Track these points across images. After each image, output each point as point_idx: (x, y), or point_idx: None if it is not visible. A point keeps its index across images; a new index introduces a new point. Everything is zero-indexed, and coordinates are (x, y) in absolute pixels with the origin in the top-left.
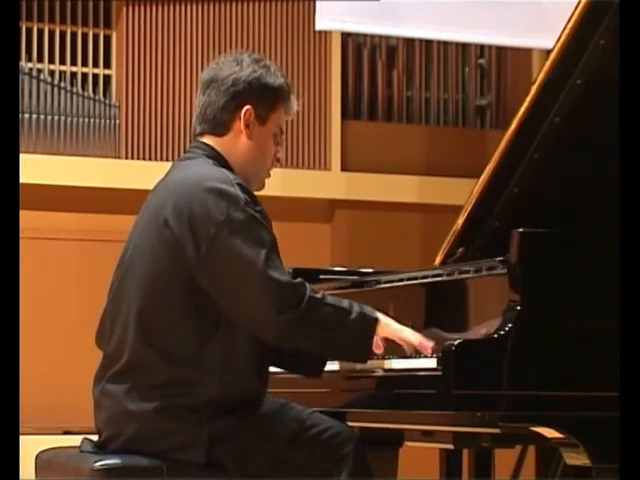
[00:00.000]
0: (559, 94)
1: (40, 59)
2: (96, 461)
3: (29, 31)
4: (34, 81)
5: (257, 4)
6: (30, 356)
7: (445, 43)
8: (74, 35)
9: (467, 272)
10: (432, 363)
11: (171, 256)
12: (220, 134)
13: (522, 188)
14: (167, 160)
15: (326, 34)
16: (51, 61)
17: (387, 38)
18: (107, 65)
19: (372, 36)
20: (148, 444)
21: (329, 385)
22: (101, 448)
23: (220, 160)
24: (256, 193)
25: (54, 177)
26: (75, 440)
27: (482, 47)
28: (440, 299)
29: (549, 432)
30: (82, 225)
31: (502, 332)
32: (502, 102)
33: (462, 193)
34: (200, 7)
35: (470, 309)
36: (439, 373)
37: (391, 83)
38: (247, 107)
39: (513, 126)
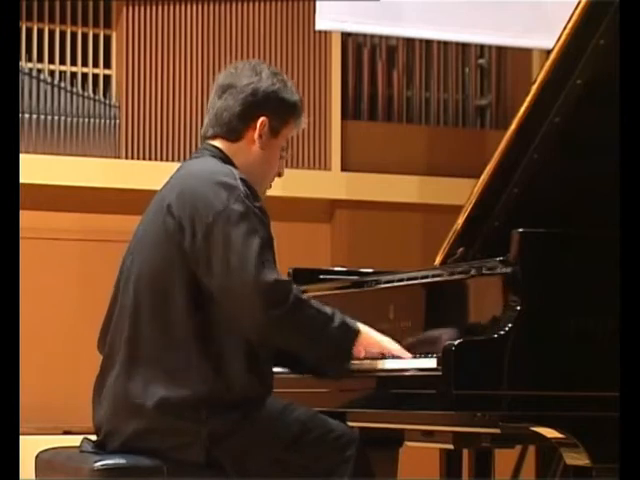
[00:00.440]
0: (559, 94)
1: (40, 59)
2: (96, 461)
3: (29, 31)
4: (34, 81)
5: (257, 4)
6: (30, 356)
7: (445, 43)
8: (74, 35)
9: (467, 272)
10: (432, 363)
11: (173, 244)
12: (232, 140)
13: (522, 188)
14: (167, 160)
15: (326, 34)
16: (51, 61)
17: (387, 38)
18: (107, 65)
19: (372, 36)
20: (148, 441)
21: (329, 385)
22: (100, 446)
23: (227, 161)
24: None
25: (54, 177)
26: (75, 440)
27: (482, 47)
28: (440, 299)
29: (549, 432)
30: (82, 225)
31: (502, 332)
32: (502, 102)
33: (462, 193)
34: (200, 7)
35: (470, 309)
36: (439, 373)
37: (391, 83)
38: (263, 118)
39: (513, 126)
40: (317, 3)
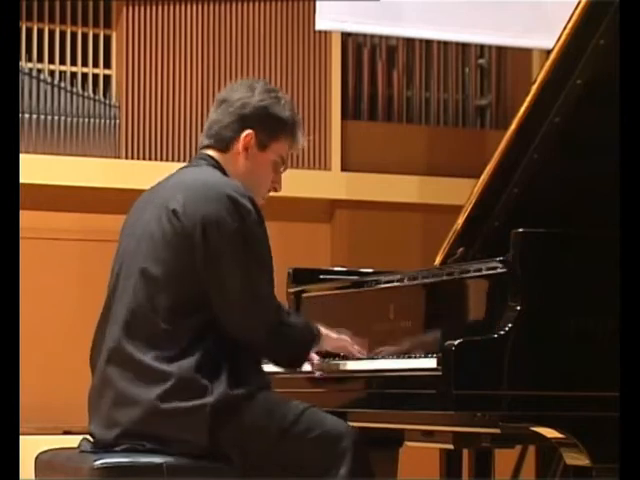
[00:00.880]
0: (559, 94)
1: (40, 59)
2: (95, 460)
3: (29, 31)
4: (34, 81)
5: (257, 4)
6: (30, 356)
7: (445, 43)
8: (74, 35)
9: (467, 272)
10: (432, 363)
11: (179, 247)
12: (222, 150)
13: (522, 188)
14: (167, 160)
15: (326, 34)
16: (51, 61)
17: (387, 38)
18: (107, 65)
19: (372, 36)
20: (152, 426)
21: (329, 385)
22: (100, 443)
23: (224, 172)
24: None
25: (54, 177)
26: (75, 440)
27: (482, 47)
28: (440, 299)
29: (549, 432)
30: (82, 225)
31: (502, 332)
32: (502, 102)
33: (462, 193)
34: (200, 7)
35: (470, 309)
36: (439, 373)
37: (391, 83)
38: (249, 131)
39: (513, 126)
40: (317, 3)
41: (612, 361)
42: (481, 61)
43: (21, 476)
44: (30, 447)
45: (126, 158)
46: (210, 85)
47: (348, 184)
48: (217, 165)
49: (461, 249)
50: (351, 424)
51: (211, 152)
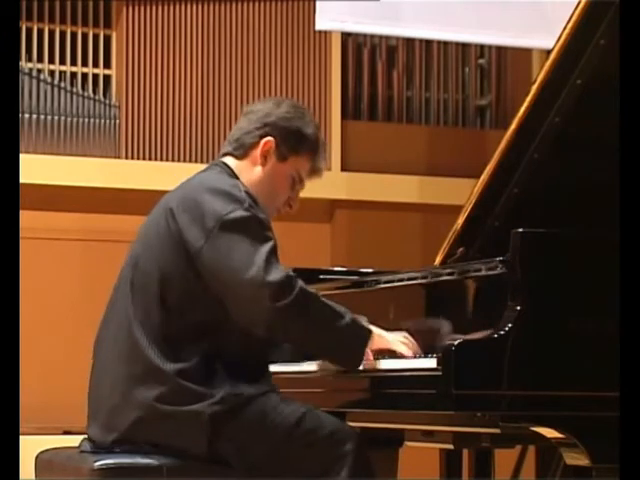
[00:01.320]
0: (559, 94)
1: (40, 59)
2: (96, 461)
3: (29, 31)
4: (34, 81)
5: (257, 4)
6: (30, 356)
7: (445, 43)
8: (74, 35)
9: (467, 272)
10: (432, 363)
11: (174, 247)
12: (239, 156)
13: (522, 188)
14: (167, 160)
15: (326, 34)
16: (51, 61)
17: (387, 38)
18: (107, 65)
19: (372, 36)
20: (149, 429)
21: (329, 385)
22: (100, 445)
23: (233, 177)
24: None
25: (54, 177)
26: (75, 440)
27: (482, 47)
28: (440, 299)
29: (549, 432)
30: (82, 225)
31: (502, 332)
32: (502, 102)
33: (462, 193)
34: (200, 7)
35: (470, 309)
36: (439, 373)
37: (391, 83)
38: (269, 138)
39: (513, 126)
40: (317, 3)
41: (612, 361)
42: (481, 61)
43: (21, 476)
44: (30, 447)
45: (126, 158)
46: (210, 85)
47: (348, 184)
48: (230, 172)
49: (461, 249)
50: (351, 424)
51: (228, 159)
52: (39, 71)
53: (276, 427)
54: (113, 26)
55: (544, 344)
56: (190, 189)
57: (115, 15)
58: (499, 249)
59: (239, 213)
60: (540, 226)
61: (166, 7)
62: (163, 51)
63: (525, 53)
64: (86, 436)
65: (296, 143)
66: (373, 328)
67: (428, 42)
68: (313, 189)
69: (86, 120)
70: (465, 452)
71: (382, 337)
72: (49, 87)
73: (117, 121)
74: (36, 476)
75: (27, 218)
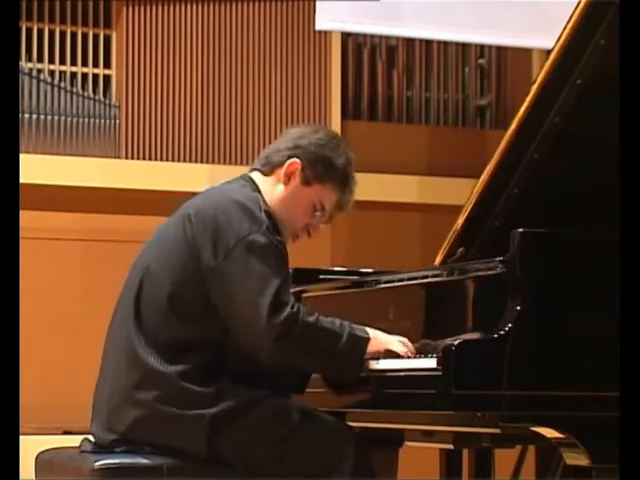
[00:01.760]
0: (559, 94)
1: (40, 59)
2: (96, 461)
3: (29, 31)
4: (34, 81)
5: (257, 4)
6: (30, 356)
7: (445, 43)
8: (74, 35)
9: (467, 272)
10: (432, 363)
11: (188, 251)
12: (265, 173)
13: (522, 188)
14: (167, 160)
15: (326, 34)
16: (51, 61)
17: (387, 38)
18: (107, 65)
19: (372, 36)
20: (150, 429)
21: (335, 383)
22: (101, 444)
23: (256, 191)
24: None
25: (54, 177)
26: (75, 440)
27: (482, 47)
28: (440, 299)
29: (549, 432)
30: (82, 225)
31: (502, 332)
32: (502, 102)
33: (462, 193)
34: (200, 7)
35: (470, 309)
36: (439, 373)
37: (391, 83)
38: (296, 160)
39: (513, 126)
40: (317, 3)
41: (612, 361)
42: (481, 61)
43: (21, 476)
44: (30, 447)
45: (126, 158)
46: (210, 85)
47: None
48: (254, 187)
49: (461, 249)
50: (351, 424)
51: (254, 174)
52: (39, 71)
53: (277, 428)
54: (113, 26)
55: (544, 344)
56: (211, 198)
57: (115, 15)
58: (499, 249)
59: (259, 237)
60: (540, 226)
61: (166, 7)
62: (163, 51)
63: (525, 53)
64: (87, 436)
65: (323, 171)
66: (369, 331)
67: (428, 42)
68: None
69: (86, 120)
70: (465, 452)
71: (377, 339)
72: (49, 87)
73: (117, 121)
74: (36, 476)
75: (27, 218)
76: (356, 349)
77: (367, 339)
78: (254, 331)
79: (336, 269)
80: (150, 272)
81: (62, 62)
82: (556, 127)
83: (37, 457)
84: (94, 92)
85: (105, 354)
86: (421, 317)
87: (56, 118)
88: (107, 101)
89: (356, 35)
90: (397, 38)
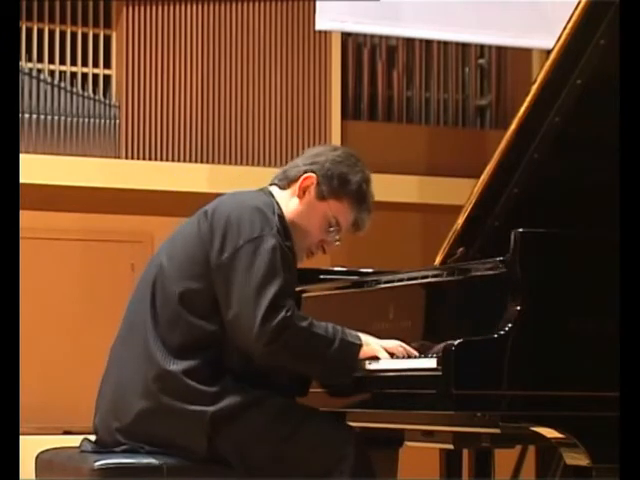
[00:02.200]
0: (559, 94)
1: (40, 59)
2: (96, 461)
3: (29, 31)
4: (34, 81)
5: (257, 4)
6: (30, 356)
7: (445, 43)
8: (74, 35)
9: (467, 272)
10: (432, 363)
11: (199, 247)
12: (282, 186)
13: (522, 188)
14: (167, 160)
15: (326, 34)
16: (51, 61)
17: (387, 38)
18: (107, 65)
19: (372, 36)
20: (150, 426)
21: (329, 385)
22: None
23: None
24: None
25: (54, 177)
26: (75, 440)
27: (482, 47)
28: (440, 299)
29: (549, 432)
30: (82, 225)
31: (502, 332)
32: (502, 102)
33: (462, 193)
34: (200, 7)
35: (470, 309)
36: (439, 373)
37: (391, 83)
38: (311, 174)
39: (513, 126)
40: (317, 3)
41: (612, 361)
42: (481, 61)
43: (21, 476)
44: (30, 447)
45: (126, 158)
46: (210, 85)
47: None
48: (270, 196)
49: (461, 249)
50: (351, 424)
51: (272, 187)
52: (39, 71)
53: (277, 428)
54: (113, 26)
55: (544, 344)
56: (227, 200)
57: (115, 15)
58: (499, 249)
59: (268, 239)
60: (540, 226)
61: (166, 7)
62: (163, 51)
63: (525, 53)
64: (86, 436)
65: (338, 187)
66: (361, 336)
67: (428, 42)
68: None
69: (86, 120)
70: (465, 452)
71: (368, 345)
72: (49, 87)
73: (117, 121)
74: (36, 476)
75: (27, 218)
76: (347, 355)
77: (359, 345)
78: (247, 332)
79: (336, 269)
80: (163, 269)
81: (62, 62)
82: (556, 127)
83: (37, 457)
84: (94, 92)
85: (115, 348)
86: (421, 317)
87: (56, 118)
88: (107, 101)
89: (356, 35)
90: (397, 38)
